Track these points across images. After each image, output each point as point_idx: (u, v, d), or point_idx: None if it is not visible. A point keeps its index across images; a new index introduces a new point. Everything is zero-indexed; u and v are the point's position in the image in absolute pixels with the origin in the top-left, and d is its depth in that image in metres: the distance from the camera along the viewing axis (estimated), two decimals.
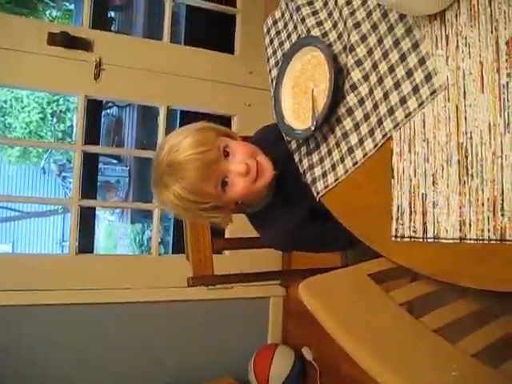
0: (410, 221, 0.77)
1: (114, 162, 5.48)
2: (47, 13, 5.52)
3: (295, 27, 1.05)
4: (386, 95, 0.81)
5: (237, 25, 2.39)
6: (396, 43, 0.80)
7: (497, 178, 0.65)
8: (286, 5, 1.09)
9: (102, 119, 4.36)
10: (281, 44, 1.10)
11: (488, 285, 0.67)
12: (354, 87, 0.88)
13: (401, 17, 0.79)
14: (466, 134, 0.69)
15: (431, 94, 0.74)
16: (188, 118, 3.03)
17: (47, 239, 6.44)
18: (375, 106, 0.84)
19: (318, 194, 0.96)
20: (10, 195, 6.71)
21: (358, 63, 0.87)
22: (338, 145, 0.92)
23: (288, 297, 2.44)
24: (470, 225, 0.69)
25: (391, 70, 0.81)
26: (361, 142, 0.87)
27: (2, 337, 1.91)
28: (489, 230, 0.66)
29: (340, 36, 0.93)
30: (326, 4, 0.98)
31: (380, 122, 0.83)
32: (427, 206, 0.75)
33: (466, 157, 0.69)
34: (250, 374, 2.21)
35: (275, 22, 1.13)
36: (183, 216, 1.05)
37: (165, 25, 2.23)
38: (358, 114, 0.88)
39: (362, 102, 0.87)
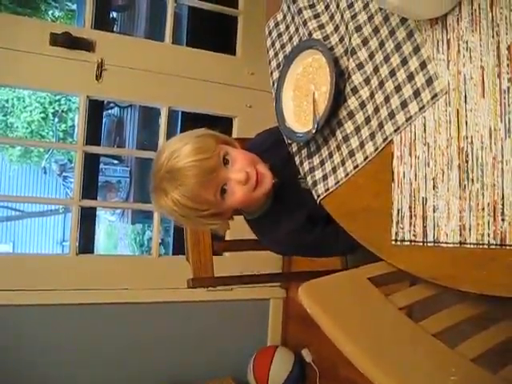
0: (410, 225, 0.77)
1: (115, 162, 5.49)
2: (50, 13, 5.54)
3: (297, 30, 1.05)
4: (387, 99, 0.81)
5: (238, 26, 2.39)
6: (397, 47, 0.80)
7: (497, 183, 0.65)
8: (288, 7, 1.09)
9: (104, 119, 4.37)
10: (282, 46, 1.10)
11: (488, 289, 0.67)
12: (355, 90, 0.88)
13: (402, 21, 0.79)
14: (467, 138, 0.69)
15: (432, 98, 0.74)
16: (189, 119, 3.04)
17: (48, 239, 6.45)
18: (376, 110, 0.84)
19: (318, 196, 0.96)
20: (10, 195, 6.73)
21: (360, 66, 0.87)
22: (338, 148, 0.92)
23: (288, 299, 2.43)
24: (470, 229, 0.69)
25: (392, 73, 0.81)
26: (362, 145, 0.87)
27: (2, 337, 1.91)
28: (489, 235, 0.66)
29: (341, 39, 0.93)
30: (327, 7, 0.98)
31: (381, 125, 0.83)
32: (427, 210, 0.75)
33: (467, 161, 0.69)
34: (250, 375, 2.21)
35: (277, 25, 1.13)
36: (181, 222, 1.05)
37: (167, 26, 2.23)
38: (359, 118, 0.88)
39: (363, 105, 0.87)
